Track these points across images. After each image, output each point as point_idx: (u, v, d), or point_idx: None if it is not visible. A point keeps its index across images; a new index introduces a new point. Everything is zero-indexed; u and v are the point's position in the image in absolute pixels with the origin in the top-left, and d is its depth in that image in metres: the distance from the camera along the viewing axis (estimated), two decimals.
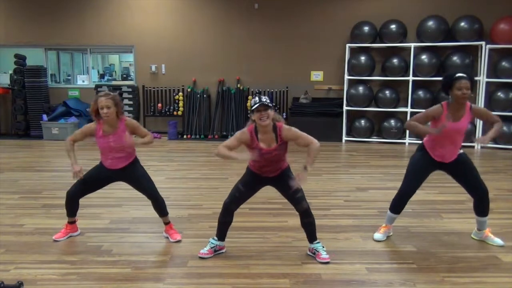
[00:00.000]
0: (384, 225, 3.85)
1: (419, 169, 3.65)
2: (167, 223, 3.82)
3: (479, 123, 8.45)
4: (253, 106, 3.13)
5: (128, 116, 10.06)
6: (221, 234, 3.48)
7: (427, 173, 3.67)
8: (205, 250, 3.46)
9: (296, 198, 3.33)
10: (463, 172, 3.59)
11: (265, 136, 3.22)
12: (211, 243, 3.48)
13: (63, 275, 3.15)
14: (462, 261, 3.39)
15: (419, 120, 3.55)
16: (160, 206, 3.73)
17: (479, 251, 3.58)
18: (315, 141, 3.19)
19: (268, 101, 3.14)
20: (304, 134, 3.23)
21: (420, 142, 3.79)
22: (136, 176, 3.67)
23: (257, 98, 3.16)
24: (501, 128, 3.61)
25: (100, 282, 3.05)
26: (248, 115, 3.28)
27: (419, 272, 3.22)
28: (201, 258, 3.41)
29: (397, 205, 3.74)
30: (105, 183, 3.73)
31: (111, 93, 3.53)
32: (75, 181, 3.70)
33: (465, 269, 3.27)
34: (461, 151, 3.60)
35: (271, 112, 3.14)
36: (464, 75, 3.41)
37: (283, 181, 3.34)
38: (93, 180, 3.68)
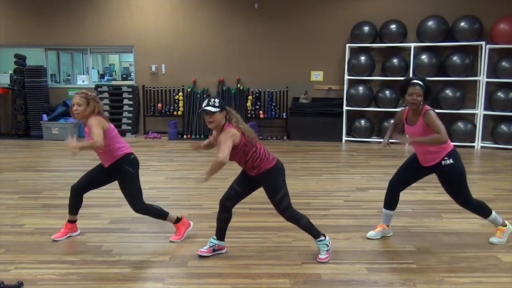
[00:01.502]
0: (380, 224, 3.85)
1: (405, 165, 3.75)
2: (174, 222, 3.79)
3: (479, 124, 8.45)
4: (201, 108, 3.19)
5: (128, 116, 9.93)
6: (220, 233, 3.48)
7: (413, 172, 3.68)
8: (204, 249, 3.46)
9: (280, 209, 3.29)
10: (443, 183, 3.60)
11: (217, 137, 3.26)
12: (211, 242, 3.48)
13: (63, 275, 3.15)
14: (462, 261, 3.39)
15: (394, 121, 3.83)
16: (152, 215, 3.71)
17: (479, 251, 3.58)
18: (221, 155, 3.04)
19: (216, 104, 3.12)
20: (224, 145, 3.07)
21: None
22: (120, 181, 3.61)
23: (205, 102, 3.17)
24: (433, 141, 3.36)
25: (100, 282, 3.05)
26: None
27: (419, 272, 3.22)
28: (200, 256, 3.42)
29: (387, 199, 3.76)
30: (104, 179, 3.69)
31: (88, 93, 3.52)
32: (77, 179, 3.69)
33: (465, 269, 3.27)
34: (450, 161, 3.45)
35: (218, 116, 3.13)
36: (419, 82, 3.42)
37: (264, 185, 3.31)
38: (94, 174, 3.68)
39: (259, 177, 3.27)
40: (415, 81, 3.44)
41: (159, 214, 3.72)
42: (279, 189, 3.25)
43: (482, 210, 3.65)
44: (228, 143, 3.07)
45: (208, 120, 3.15)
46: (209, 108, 3.12)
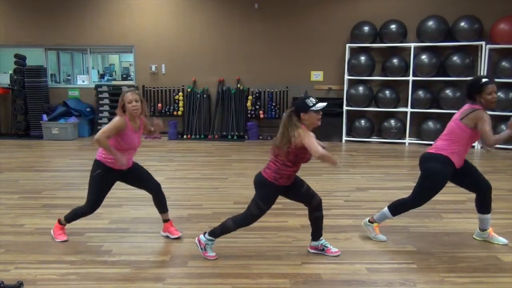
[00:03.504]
0: (376, 224, 3.80)
1: (440, 186, 3.52)
2: (167, 220, 3.82)
3: None
4: (314, 105, 3.12)
5: None
6: (219, 235, 3.43)
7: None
8: (211, 253, 3.41)
9: (311, 193, 3.37)
10: (469, 172, 3.59)
11: None
12: (212, 243, 3.41)
13: (63, 275, 3.15)
14: (462, 261, 3.39)
15: (490, 126, 3.34)
16: (162, 201, 3.75)
17: (479, 251, 3.58)
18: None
19: None
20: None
21: (436, 152, 3.51)
22: (141, 171, 3.70)
23: (314, 99, 3.16)
24: None
25: (100, 282, 3.05)
26: (301, 111, 3.15)
27: (419, 272, 3.23)
28: (213, 260, 3.40)
29: (401, 211, 3.71)
30: (111, 186, 3.68)
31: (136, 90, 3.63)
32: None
33: (465, 269, 3.27)
34: None
35: None
36: (489, 79, 3.41)
37: (295, 182, 3.36)
38: (109, 187, 3.62)
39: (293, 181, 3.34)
40: (488, 79, 3.40)
41: (165, 203, 3.78)
42: (302, 179, 3.41)
43: (491, 202, 3.65)
44: None
45: (320, 118, 3.18)
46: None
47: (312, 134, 3.12)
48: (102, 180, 3.54)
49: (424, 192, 3.55)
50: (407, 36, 8.84)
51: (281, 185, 3.23)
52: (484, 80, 3.41)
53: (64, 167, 6.93)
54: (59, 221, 3.76)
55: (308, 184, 3.43)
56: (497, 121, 8.56)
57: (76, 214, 3.68)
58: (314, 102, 3.14)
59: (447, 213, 4.52)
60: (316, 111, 3.13)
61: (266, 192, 3.25)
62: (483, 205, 3.64)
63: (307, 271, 3.23)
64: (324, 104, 3.18)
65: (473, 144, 8.28)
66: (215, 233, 3.40)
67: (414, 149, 8.24)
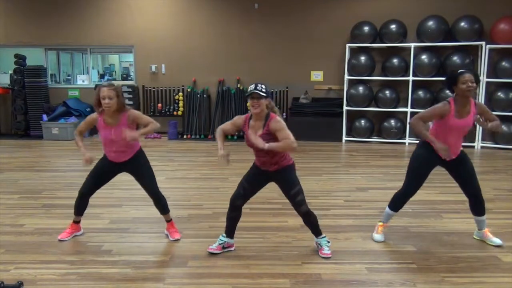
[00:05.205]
0: (381, 223, 3.83)
1: (423, 167, 3.61)
2: (168, 220, 3.83)
3: None
4: (247, 92, 3.20)
5: None
6: (229, 231, 3.50)
7: (429, 170, 3.64)
8: (214, 246, 3.48)
9: (296, 202, 3.35)
10: (463, 170, 3.59)
11: (256, 123, 3.26)
12: (220, 239, 3.50)
13: (63, 275, 3.15)
14: (462, 261, 3.39)
15: (425, 117, 3.52)
16: (161, 204, 3.74)
17: (479, 251, 3.58)
18: (292, 139, 3.15)
19: (264, 90, 3.16)
20: (287, 131, 3.19)
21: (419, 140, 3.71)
22: (139, 171, 3.67)
23: (253, 86, 3.19)
24: (500, 126, 3.61)
25: (100, 282, 3.05)
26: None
27: (419, 272, 3.23)
28: (210, 253, 3.43)
29: (398, 204, 3.73)
30: (111, 175, 3.70)
31: (114, 85, 3.50)
32: (84, 180, 3.69)
33: (465, 269, 3.27)
34: (461, 148, 3.61)
35: (264, 101, 3.17)
36: (466, 70, 3.44)
37: (282, 180, 3.36)
38: (100, 173, 3.67)
39: (277, 173, 3.33)
40: (463, 70, 3.43)
41: (165, 206, 3.78)
42: (296, 183, 3.34)
43: (484, 204, 3.66)
44: (289, 131, 3.18)
45: (253, 104, 3.15)
46: (257, 91, 3.14)
47: (232, 120, 3.38)
48: (98, 165, 3.66)
49: (411, 177, 3.63)
50: (407, 36, 8.84)
51: (256, 165, 3.38)
52: (460, 70, 3.44)
53: (64, 167, 6.92)
54: (73, 220, 3.84)
55: (300, 193, 3.33)
56: None
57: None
58: (251, 89, 3.18)
59: (447, 213, 4.52)
60: (249, 97, 3.18)
61: (249, 170, 3.48)
62: (476, 208, 3.67)
63: (307, 271, 3.23)
64: (252, 86, 3.16)
65: (473, 144, 8.37)
66: (225, 229, 3.51)
67: (414, 149, 8.23)
